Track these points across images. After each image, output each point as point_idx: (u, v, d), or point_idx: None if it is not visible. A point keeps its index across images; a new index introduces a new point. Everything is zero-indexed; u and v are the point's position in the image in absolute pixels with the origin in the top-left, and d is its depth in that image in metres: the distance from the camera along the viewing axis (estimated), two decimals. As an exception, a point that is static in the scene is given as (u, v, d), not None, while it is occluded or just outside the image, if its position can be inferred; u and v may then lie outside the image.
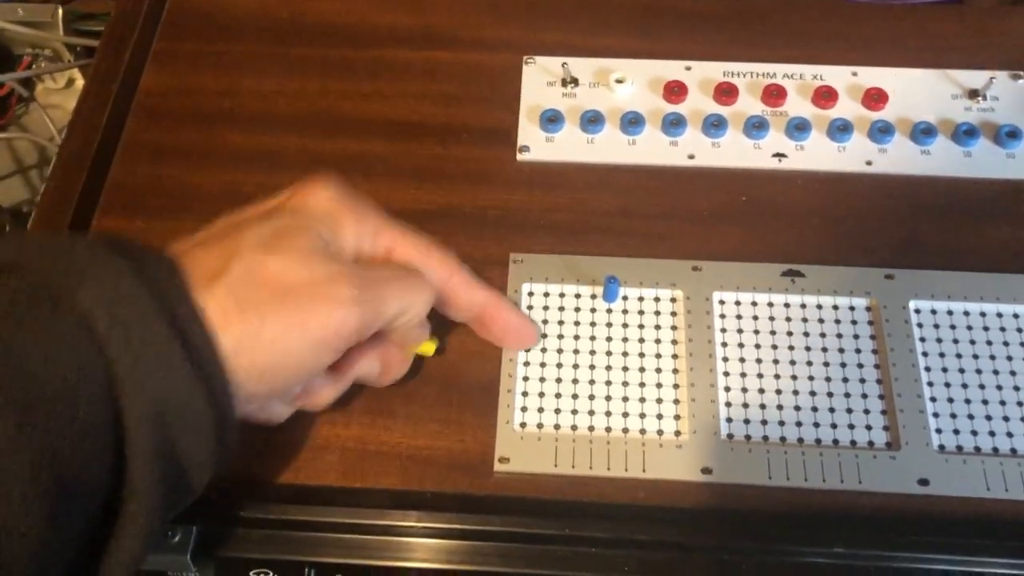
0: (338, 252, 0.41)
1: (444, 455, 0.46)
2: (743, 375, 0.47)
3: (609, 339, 0.49)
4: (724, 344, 0.48)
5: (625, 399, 0.47)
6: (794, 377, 0.47)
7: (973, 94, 0.56)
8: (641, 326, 0.49)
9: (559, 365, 0.48)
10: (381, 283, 0.41)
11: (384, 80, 0.58)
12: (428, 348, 0.47)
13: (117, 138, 0.57)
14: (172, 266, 0.36)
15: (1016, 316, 0.49)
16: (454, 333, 0.49)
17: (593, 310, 0.50)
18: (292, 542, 0.44)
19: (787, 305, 0.49)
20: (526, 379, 0.47)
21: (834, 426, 0.46)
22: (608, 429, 0.46)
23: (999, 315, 0.49)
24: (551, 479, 0.45)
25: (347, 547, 0.44)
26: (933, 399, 0.46)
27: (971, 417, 0.46)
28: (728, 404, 0.47)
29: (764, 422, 0.46)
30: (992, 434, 0.45)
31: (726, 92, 0.56)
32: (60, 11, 0.68)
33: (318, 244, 0.39)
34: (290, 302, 0.37)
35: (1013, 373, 0.47)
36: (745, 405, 0.47)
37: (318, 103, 0.58)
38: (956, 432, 0.45)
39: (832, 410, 0.46)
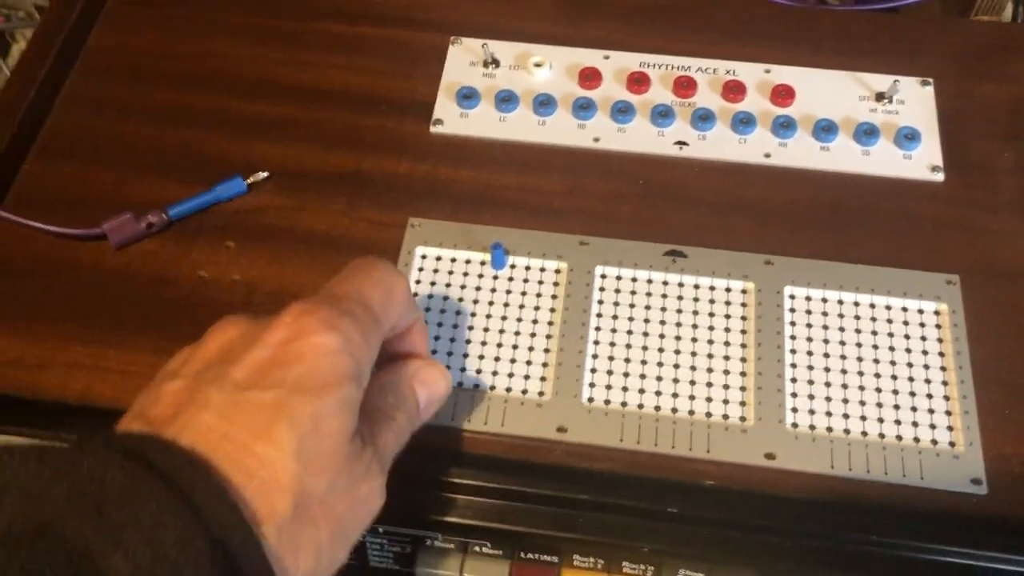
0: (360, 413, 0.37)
1: (317, 399, 0.48)
2: (612, 344, 0.49)
3: (491, 303, 0.51)
4: (599, 315, 0.50)
5: (497, 359, 0.49)
6: (661, 350, 0.49)
7: (880, 97, 0.57)
8: (524, 293, 0.51)
9: (439, 324, 0.50)
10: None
11: (315, 50, 0.61)
12: None
13: (58, 90, 0.60)
14: (224, 498, 0.31)
15: (888, 308, 0.50)
16: (345, 288, 0.51)
17: (480, 275, 0.52)
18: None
19: (666, 283, 0.51)
20: (405, 335, 0.50)
21: (692, 398, 0.47)
22: (477, 386, 0.48)
23: (872, 306, 0.50)
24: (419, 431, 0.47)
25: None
26: (794, 380, 0.48)
27: (828, 399, 0.47)
28: (593, 371, 0.48)
29: (625, 389, 0.48)
30: (846, 416, 0.47)
31: (638, 81, 0.58)
32: (30, -26, 0.72)
33: (349, 429, 0.35)
34: (341, 534, 0.35)
35: (876, 361, 0.48)
36: (609, 372, 0.48)
37: (250, 68, 0.60)
38: (811, 412, 0.47)
39: (693, 383, 0.48)
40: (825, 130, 0.56)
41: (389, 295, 0.39)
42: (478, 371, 0.48)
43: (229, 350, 0.36)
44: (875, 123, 0.56)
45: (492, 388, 0.48)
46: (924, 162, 0.55)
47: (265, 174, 0.55)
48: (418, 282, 0.51)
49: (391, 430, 0.39)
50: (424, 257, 0.52)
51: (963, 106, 0.57)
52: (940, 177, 0.54)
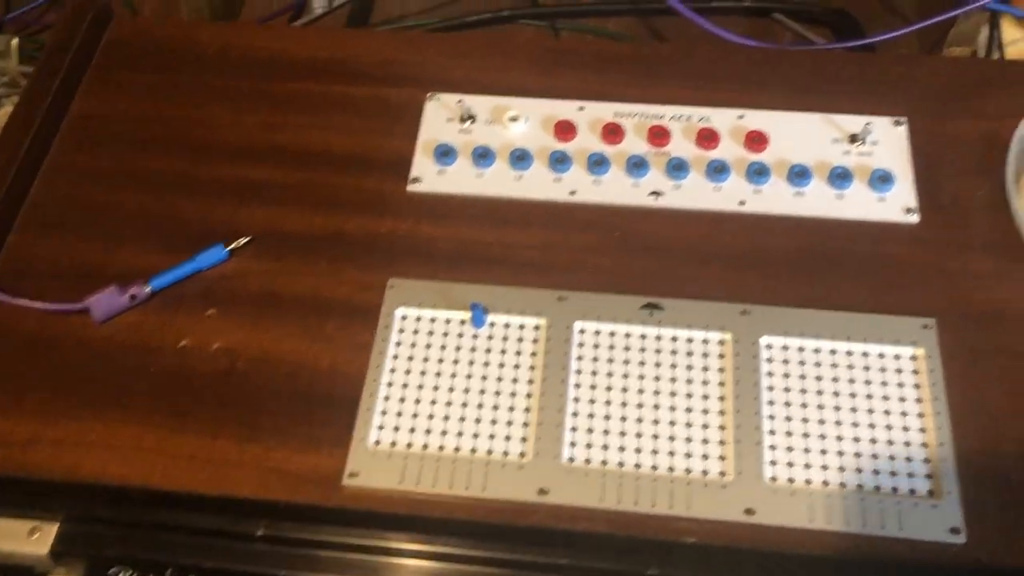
0: None
1: (300, 467, 0.48)
2: (592, 401, 0.49)
3: (472, 363, 0.51)
4: (578, 371, 0.50)
5: (478, 420, 0.49)
6: (640, 406, 0.49)
7: (853, 138, 0.58)
8: (503, 352, 0.52)
9: (420, 387, 0.51)
10: None
11: (295, 112, 0.62)
12: None
13: (41, 159, 0.61)
14: None
15: (865, 355, 0.50)
16: (324, 351, 0.52)
17: (460, 335, 0.52)
18: (154, 543, 0.47)
19: (643, 337, 0.52)
20: (387, 399, 0.50)
21: (671, 454, 0.48)
22: (457, 449, 0.48)
23: (848, 353, 0.50)
24: (397, 496, 0.47)
25: (204, 550, 0.47)
26: (772, 432, 0.48)
27: (807, 451, 0.47)
28: (574, 429, 0.49)
29: (605, 447, 0.48)
30: (824, 468, 0.47)
31: (613, 132, 0.59)
32: (15, 42, 0.73)
33: None
34: None
35: (854, 410, 0.49)
36: (590, 430, 0.49)
37: (231, 132, 0.61)
38: (790, 464, 0.47)
39: (672, 439, 0.48)
40: (799, 175, 0.56)
41: None
42: (459, 434, 0.49)
43: None
44: (848, 166, 0.56)
45: (473, 451, 0.48)
46: (898, 204, 0.55)
47: (246, 239, 0.56)
48: (399, 344, 0.52)
49: None
50: (404, 318, 0.53)
51: (937, 145, 0.58)
52: (915, 218, 0.55)
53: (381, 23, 0.80)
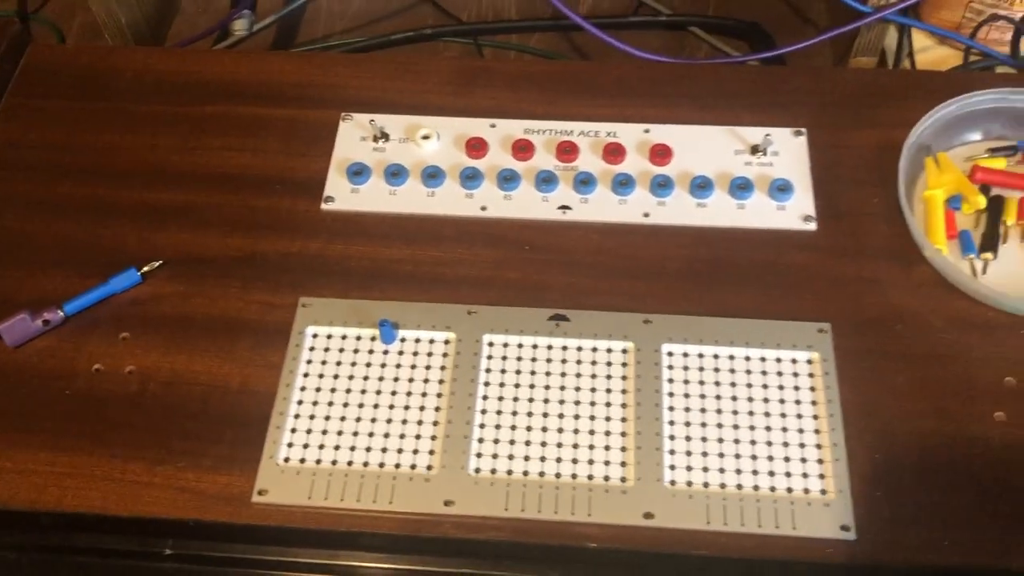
0: None
1: (211, 487, 0.49)
2: (499, 412, 0.51)
3: (382, 379, 0.52)
4: (487, 384, 0.52)
5: (386, 435, 0.50)
6: (545, 416, 0.50)
7: (754, 149, 0.60)
8: (413, 367, 0.53)
9: (330, 403, 0.51)
10: None
11: (211, 134, 0.63)
12: None
13: (-43, 188, 0.61)
14: None
15: (763, 359, 0.52)
16: (235, 371, 0.52)
17: (371, 351, 0.53)
18: (64, 566, 0.48)
19: (550, 348, 0.53)
20: (296, 416, 0.51)
21: (575, 462, 0.49)
22: (365, 464, 0.49)
23: (747, 358, 0.52)
24: (306, 511, 0.48)
25: (114, 571, 0.47)
26: (672, 437, 0.49)
27: (704, 455, 0.49)
28: (480, 440, 0.50)
29: (511, 457, 0.49)
30: (722, 471, 0.48)
31: (523, 148, 0.60)
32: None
33: None
34: None
35: (751, 414, 0.50)
36: (496, 441, 0.50)
37: (148, 156, 0.62)
38: (688, 468, 0.48)
39: (576, 447, 0.49)
40: (701, 187, 0.58)
41: None
42: (368, 449, 0.50)
43: None
44: (749, 177, 0.58)
45: (381, 465, 0.49)
46: (797, 212, 0.57)
47: (159, 262, 0.56)
48: (309, 362, 0.53)
49: None
50: (315, 336, 0.54)
51: (835, 154, 0.60)
52: (813, 226, 0.57)
53: (307, 43, 0.81)
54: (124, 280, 0.55)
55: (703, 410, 0.50)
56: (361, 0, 0.85)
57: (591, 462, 0.49)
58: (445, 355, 0.53)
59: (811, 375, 0.51)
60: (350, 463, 0.49)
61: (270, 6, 0.82)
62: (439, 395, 0.51)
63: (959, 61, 0.76)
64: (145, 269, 0.56)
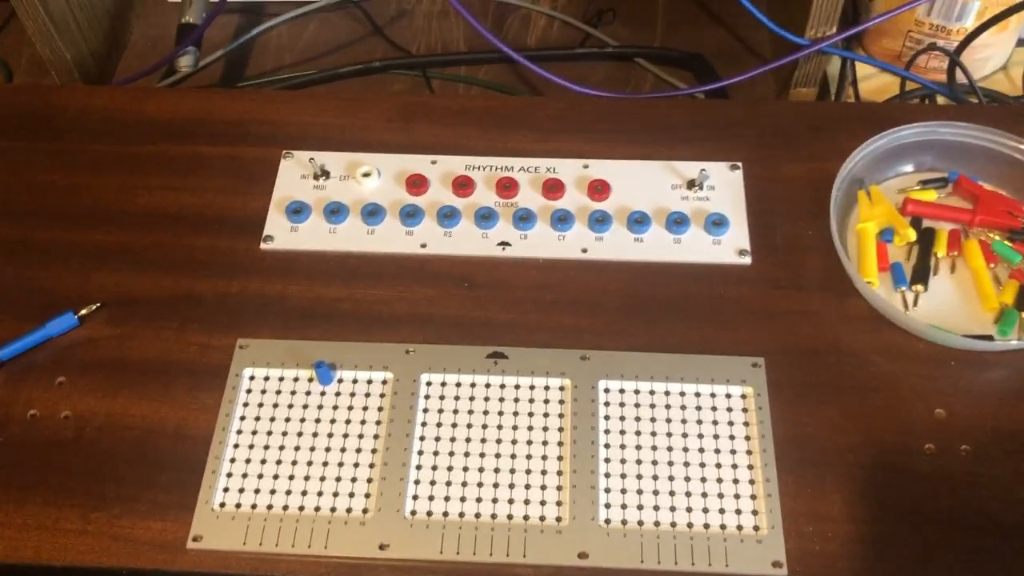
0: None
1: (146, 534, 0.48)
2: (436, 453, 0.51)
3: (318, 421, 0.52)
4: (424, 424, 0.52)
5: (322, 479, 0.50)
6: (483, 455, 0.50)
7: (691, 184, 0.60)
8: (350, 408, 0.52)
9: (267, 447, 0.51)
10: None
11: (150, 174, 0.62)
12: None
13: None
14: None
15: (698, 395, 0.52)
16: (171, 415, 0.52)
17: (308, 393, 0.53)
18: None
19: (488, 386, 0.53)
20: (232, 460, 0.51)
21: (511, 502, 0.49)
22: (301, 508, 0.49)
23: (682, 394, 0.52)
24: (242, 557, 0.48)
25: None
26: (607, 475, 0.50)
27: (640, 492, 0.49)
28: (417, 482, 0.50)
29: (447, 498, 0.49)
30: (656, 508, 0.49)
31: (463, 185, 0.60)
32: None
33: None
34: None
35: (686, 450, 0.50)
36: (432, 482, 0.50)
37: (85, 196, 0.62)
38: (623, 507, 0.49)
39: (512, 486, 0.49)
40: (638, 222, 0.58)
41: None
42: (303, 492, 0.49)
43: None
44: (686, 211, 0.59)
45: (317, 509, 0.49)
46: (732, 246, 0.58)
47: (96, 305, 0.56)
48: (246, 404, 0.52)
49: None
50: (252, 378, 0.53)
51: (770, 188, 0.60)
52: (748, 260, 0.57)
53: (256, 76, 0.81)
54: (60, 324, 0.55)
55: (639, 447, 0.51)
56: (310, 33, 0.85)
57: (527, 502, 0.49)
58: (382, 395, 0.53)
59: (745, 410, 0.52)
60: (286, 507, 0.49)
61: (219, 40, 0.82)
62: (376, 436, 0.51)
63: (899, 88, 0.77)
64: (82, 312, 0.56)
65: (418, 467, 0.50)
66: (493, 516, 0.49)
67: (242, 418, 0.52)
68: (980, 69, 0.77)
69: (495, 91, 0.80)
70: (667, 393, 0.52)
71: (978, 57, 0.76)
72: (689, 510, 0.48)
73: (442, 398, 0.53)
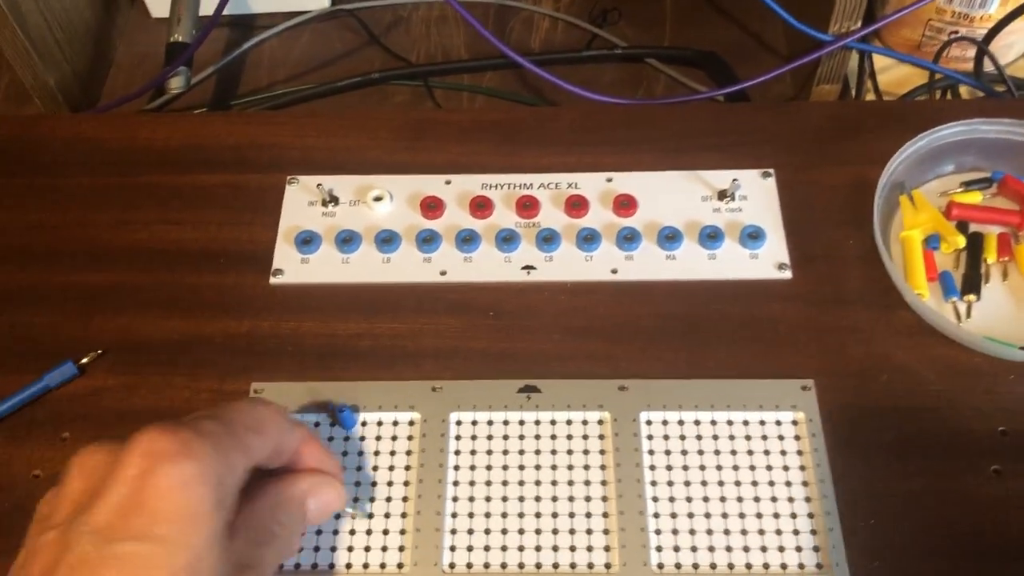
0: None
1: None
2: (471, 499, 0.47)
3: (344, 468, 0.49)
4: (456, 468, 0.48)
5: (352, 532, 0.47)
6: (521, 499, 0.47)
7: (722, 195, 0.57)
8: (377, 453, 0.49)
9: (290, 499, 0.48)
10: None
11: (146, 207, 0.59)
12: None
13: None
14: None
15: (746, 423, 0.49)
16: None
17: (331, 438, 0.50)
18: None
19: (522, 423, 0.50)
20: (254, 516, 0.47)
21: (556, 549, 0.46)
22: (332, 566, 0.46)
23: (729, 423, 0.49)
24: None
25: None
26: (656, 515, 0.47)
27: (692, 532, 0.46)
28: (453, 531, 0.46)
29: (487, 548, 0.46)
30: (711, 549, 0.46)
31: (481, 205, 0.57)
32: None
33: (223, 561, 0.37)
34: None
35: (738, 483, 0.47)
36: (470, 531, 0.46)
37: (79, 234, 0.58)
38: (676, 549, 0.46)
39: (556, 532, 0.46)
40: (669, 238, 0.55)
41: (257, 420, 0.41)
42: (332, 548, 0.46)
43: (92, 488, 0.37)
44: (719, 224, 0.56)
45: (348, 566, 0.46)
46: (770, 260, 0.55)
47: (97, 352, 0.52)
48: (265, 454, 0.49)
49: (274, 549, 0.41)
50: (271, 425, 0.50)
51: (806, 195, 0.57)
52: (788, 275, 0.54)
53: (249, 94, 0.78)
54: (60, 375, 0.51)
55: (687, 483, 0.47)
56: (303, 45, 0.81)
57: (572, 548, 0.46)
58: (410, 437, 0.49)
59: (797, 437, 0.49)
60: (315, 565, 0.46)
61: (208, 56, 0.78)
62: (406, 483, 0.48)
63: (922, 79, 0.74)
64: (83, 360, 0.52)
65: (453, 515, 0.47)
66: (538, 566, 0.45)
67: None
68: (1003, 56, 0.74)
69: (503, 99, 0.76)
70: (713, 423, 0.49)
71: (1001, 44, 0.73)
72: (746, 549, 0.45)
73: (474, 438, 0.49)
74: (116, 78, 0.80)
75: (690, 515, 0.46)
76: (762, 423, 0.49)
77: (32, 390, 0.51)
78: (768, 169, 0.58)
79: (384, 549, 0.46)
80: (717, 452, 0.48)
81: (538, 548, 0.46)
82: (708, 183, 0.58)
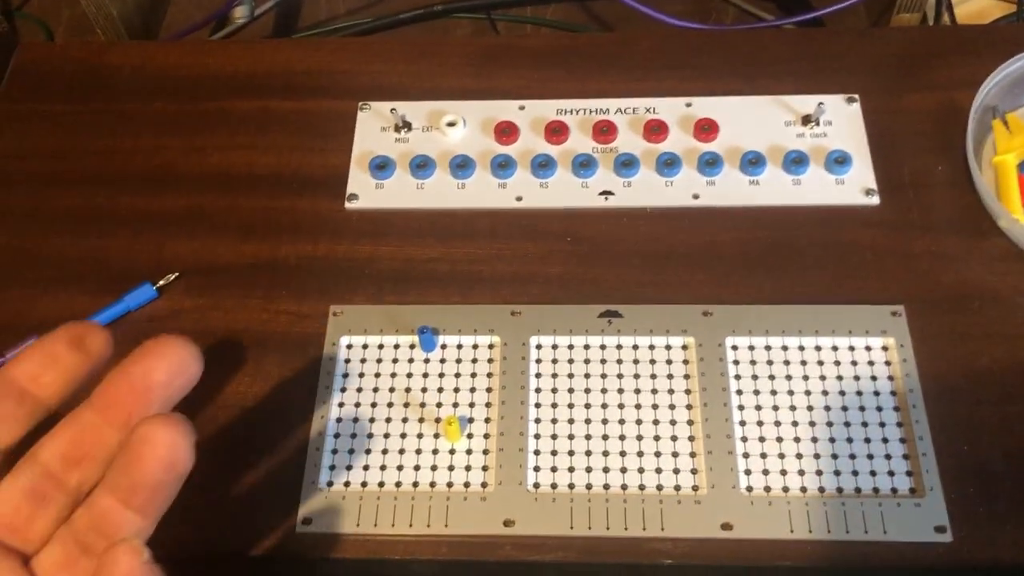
0: None
1: (251, 519, 0.45)
2: (554, 421, 0.47)
3: (424, 391, 0.48)
4: (538, 391, 0.48)
5: (435, 452, 0.46)
6: (605, 422, 0.47)
7: (806, 120, 0.55)
8: (458, 375, 0.49)
9: (372, 420, 0.47)
10: None
11: (218, 133, 0.58)
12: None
13: (-50, 205, 0.57)
14: None
15: (835, 348, 0.48)
16: (266, 390, 0.48)
17: (411, 360, 0.49)
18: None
19: (603, 347, 0.49)
20: (337, 436, 0.47)
21: (641, 471, 0.45)
22: (415, 484, 0.45)
23: (817, 348, 0.48)
24: (357, 540, 0.44)
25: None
26: (744, 439, 0.46)
27: (781, 456, 0.45)
28: (537, 453, 0.46)
29: (571, 469, 0.45)
30: (801, 473, 0.45)
31: (556, 131, 0.56)
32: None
33: None
34: None
35: (827, 408, 0.46)
36: (554, 453, 0.46)
37: (151, 160, 0.57)
38: (765, 472, 0.45)
39: (640, 454, 0.46)
40: (752, 163, 0.54)
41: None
42: (416, 467, 0.46)
43: None
44: (804, 149, 0.54)
45: (432, 485, 0.45)
46: (857, 186, 0.53)
47: (174, 275, 0.52)
48: (346, 376, 0.49)
49: None
50: (350, 347, 0.50)
51: (892, 121, 0.55)
52: (875, 200, 0.53)
53: (310, 27, 0.77)
54: (139, 296, 0.51)
55: (775, 407, 0.47)
56: (363, -22, 0.80)
57: (659, 471, 0.45)
58: (491, 360, 0.49)
59: (888, 363, 0.47)
60: (398, 484, 0.45)
61: (267, -11, 0.77)
62: (488, 405, 0.48)
63: (1000, 12, 0.71)
64: (160, 283, 0.52)
65: (537, 436, 0.46)
66: (624, 487, 0.45)
67: (343, 390, 0.48)
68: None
69: (567, 32, 0.74)
70: (801, 348, 0.48)
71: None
72: (837, 473, 0.44)
73: (555, 361, 0.49)
74: (175, 12, 0.79)
75: (779, 439, 0.46)
76: (852, 348, 0.48)
77: (113, 310, 0.51)
78: (853, 94, 0.56)
79: (467, 468, 0.46)
80: (806, 378, 0.47)
81: (623, 470, 0.45)
82: (791, 108, 0.56)
